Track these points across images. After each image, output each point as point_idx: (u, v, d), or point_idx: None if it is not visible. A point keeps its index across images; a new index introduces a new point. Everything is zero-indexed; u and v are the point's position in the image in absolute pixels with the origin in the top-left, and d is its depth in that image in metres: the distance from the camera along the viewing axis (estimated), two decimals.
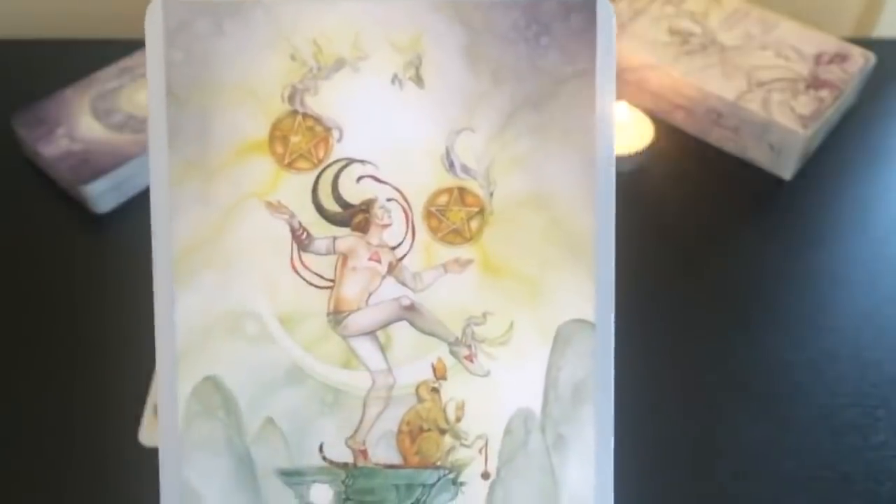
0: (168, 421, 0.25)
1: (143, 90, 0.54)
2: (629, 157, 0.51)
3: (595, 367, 0.25)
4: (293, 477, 0.26)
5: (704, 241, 0.49)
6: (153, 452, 0.40)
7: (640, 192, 0.51)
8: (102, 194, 0.50)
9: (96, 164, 0.50)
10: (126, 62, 0.56)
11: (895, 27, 0.67)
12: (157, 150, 0.25)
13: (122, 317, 0.45)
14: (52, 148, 0.51)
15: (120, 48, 0.57)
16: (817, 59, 0.54)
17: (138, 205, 0.51)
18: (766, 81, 0.53)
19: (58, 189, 0.51)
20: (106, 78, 0.55)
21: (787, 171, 0.52)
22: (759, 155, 0.52)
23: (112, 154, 0.50)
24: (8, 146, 0.53)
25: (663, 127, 0.54)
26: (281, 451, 0.25)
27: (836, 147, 0.54)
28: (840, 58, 0.54)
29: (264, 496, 0.25)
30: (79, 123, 0.52)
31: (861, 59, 0.54)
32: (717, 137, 0.54)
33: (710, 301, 0.46)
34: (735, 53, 0.54)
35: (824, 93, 0.52)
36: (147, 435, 0.41)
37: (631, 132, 0.52)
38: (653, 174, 0.52)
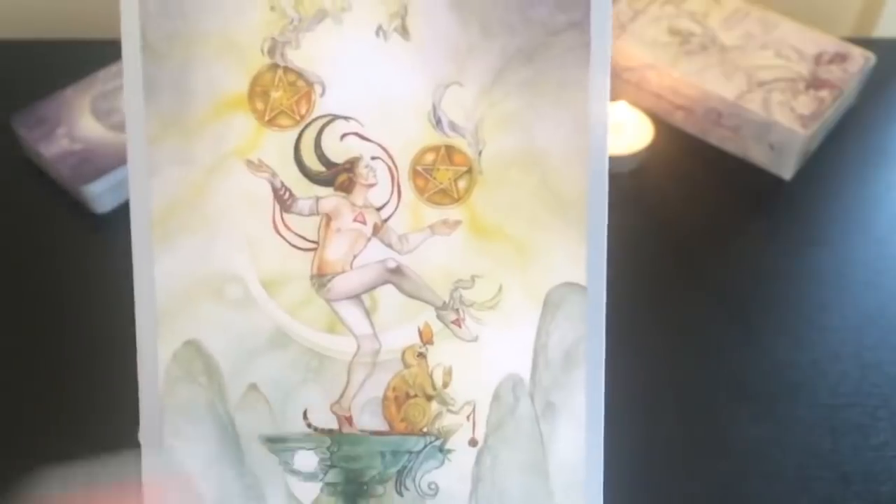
0: (148, 386, 0.25)
1: None
2: (629, 157, 0.51)
3: (586, 333, 0.25)
4: (277, 444, 0.25)
5: (704, 241, 0.50)
6: None
7: (640, 192, 0.51)
8: (102, 194, 0.50)
9: (96, 164, 0.50)
10: None
11: (895, 27, 0.66)
12: (133, 106, 0.24)
13: (122, 316, 0.45)
14: (53, 148, 0.51)
15: (120, 48, 0.56)
16: (817, 59, 0.54)
17: None
18: (767, 81, 0.52)
19: (58, 189, 0.51)
20: (106, 78, 0.55)
21: (787, 171, 0.52)
22: (759, 155, 0.52)
23: (112, 154, 0.50)
24: (8, 146, 0.53)
25: (663, 127, 0.54)
26: (265, 417, 0.25)
27: (836, 147, 0.53)
28: (840, 58, 0.54)
29: (248, 463, 0.25)
30: (79, 123, 0.52)
31: (861, 59, 0.54)
32: (717, 137, 0.54)
33: (710, 301, 0.46)
34: (735, 53, 0.54)
35: (824, 93, 0.52)
36: None
37: (631, 132, 0.52)
38: (653, 174, 0.52)
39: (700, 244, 0.49)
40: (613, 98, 0.52)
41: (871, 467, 0.39)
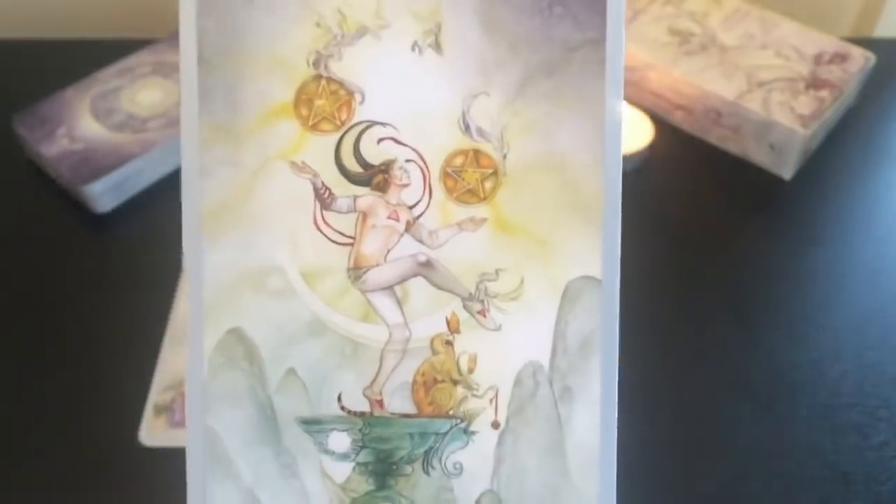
0: (195, 372, 0.27)
1: (144, 90, 0.55)
2: (629, 157, 0.51)
3: (602, 322, 0.27)
4: (313, 425, 0.27)
5: (704, 240, 0.50)
6: (153, 452, 0.41)
7: (640, 191, 0.51)
8: (102, 194, 0.50)
9: (96, 164, 0.50)
10: (126, 62, 0.57)
11: (895, 27, 0.67)
12: (189, 113, 0.26)
13: (122, 316, 0.46)
14: (53, 148, 0.51)
15: (120, 48, 0.57)
16: (817, 59, 0.54)
17: (138, 205, 0.51)
18: (766, 81, 0.53)
19: (58, 189, 0.51)
20: (106, 78, 0.55)
21: (787, 171, 0.52)
22: (759, 155, 0.53)
23: (112, 154, 0.51)
24: (9, 146, 0.53)
25: (663, 127, 0.54)
26: (302, 400, 0.27)
27: (836, 147, 0.54)
28: (840, 58, 0.54)
29: (285, 443, 0.27)
30: (79, 123, 0.52)
31: (861, 59, 0.54)
32: (717, 137, 0.54)
33: (710, 301, 0.46)
34: (735, 53, 0.55)
35: (824, 93, 0.52)
36: (147, 435, 0.40)
37: (631, 132, 0.52)
38: (653, 174, 0.52)
39: (700, 244, 0.49)
40: None
41: (871, 467, 0.40)
